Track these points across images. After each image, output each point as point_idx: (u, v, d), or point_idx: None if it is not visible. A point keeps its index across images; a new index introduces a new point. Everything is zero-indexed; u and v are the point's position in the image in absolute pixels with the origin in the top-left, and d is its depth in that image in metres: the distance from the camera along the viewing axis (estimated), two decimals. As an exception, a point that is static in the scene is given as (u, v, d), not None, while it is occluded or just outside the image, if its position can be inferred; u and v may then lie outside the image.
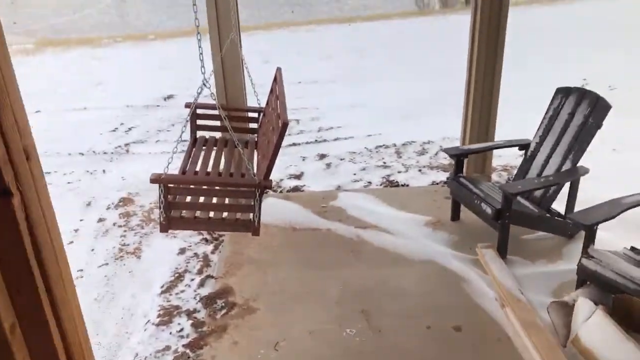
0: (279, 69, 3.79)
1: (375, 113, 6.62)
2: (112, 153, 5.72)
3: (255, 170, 3.30)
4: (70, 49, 13.04)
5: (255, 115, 3.93)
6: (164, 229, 2.83)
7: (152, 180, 2.73)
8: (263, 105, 3.83)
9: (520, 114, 5.16)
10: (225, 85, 3.92)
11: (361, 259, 3.44)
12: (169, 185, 2.78)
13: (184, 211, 2.91)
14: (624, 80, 6.89)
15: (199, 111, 3.84)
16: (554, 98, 3.72)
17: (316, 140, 5.93)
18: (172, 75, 9.02)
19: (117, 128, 6.57)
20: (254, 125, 3.95)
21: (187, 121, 2.90)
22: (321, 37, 14.58)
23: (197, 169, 3.44)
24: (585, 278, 2.88)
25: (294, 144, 5.80)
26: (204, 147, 3.77)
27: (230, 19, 3.66)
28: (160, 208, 2.76)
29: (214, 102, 4.04)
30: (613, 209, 2.91)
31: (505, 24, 3.93)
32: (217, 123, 3.95)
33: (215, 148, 3.76)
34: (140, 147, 5.90)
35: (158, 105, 7.52)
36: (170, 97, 7.87)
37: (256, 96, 3.89)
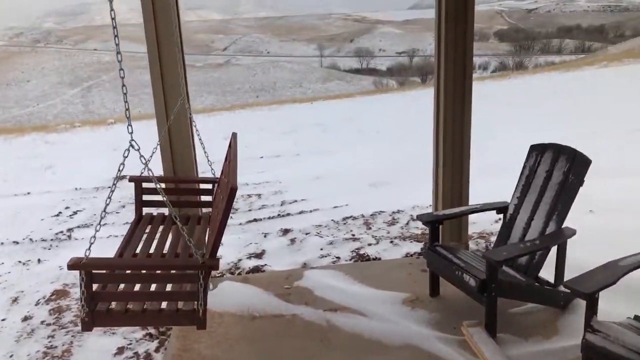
0: (234, 134, 3.47)
1: (341, 184, 6.32)
2: (51, 240, 5.15)
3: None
4: (24, 136, 12.59)
5: (210, 186, 3.53)
6: (87, 327, 2.31)
7: (71, 266, 2.25)
8: (218, 176, 3.46)
9: (485, 180, 4.94)
10: (173, 155, 3.55)
11: (332, 348, 2.94)
12: (93, 271, 2.31)
13: (114, 303, 2.40)
14: (588, 143, 6.87)
15: (145, 185, 3.45)
16: (528, 156, 3.48)
17: (279, 215, 5.53)
18: (128, 157, 8.61)
19: (60, 212, 6.03)
20: (208, 198, 3.55)
21: (111, 191, 2.47)
22: (284, 115, 14.64)
23: (137, 250, 2.98)
24: (592, 356, 2.46)
25: (255, 220, 5.38)
26: (149, 226, 3.33)
27: (179, 83, 3.36)
28: (81, 301, 2.26)
29: (166, 174, 3.71)
30: (612, 273, 2.56)
31: (470, 94, 3.77)
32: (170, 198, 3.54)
33: (162, 226, 3.33)
34: (84, 232, 5.35)
35: (109, 187, 7.03)
36: (123, 177, 7.41)
37: (210, 165, 3.53)
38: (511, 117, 10.24)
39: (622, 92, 12.09)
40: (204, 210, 3.59)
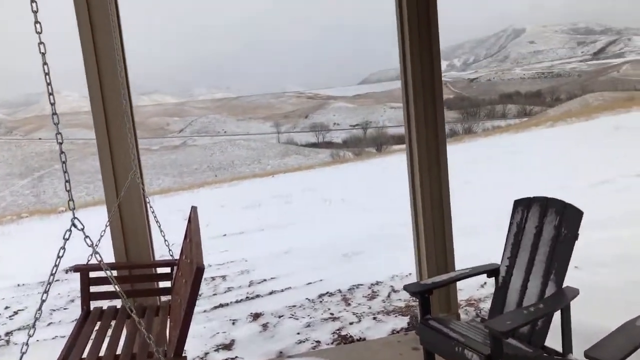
0: (193, 208, 3.13)
1: (312, 257, 5.94)
2: (-14, 347, 4.47)
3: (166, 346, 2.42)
4: (-37, 229, 11.67)
5: (168, 270, 3.12)
6: None
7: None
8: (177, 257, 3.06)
9: (460, 242, 4.73)
10: (126, 237, 3.13)
11: None
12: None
13: None
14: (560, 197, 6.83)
15: (93, 274, 3.00)
16: (514, 212, 3.26)
17: (247, 297, 5.04)
18: (79, 244, 7.99)
19: (-1, 313, 5.34)
20: (167, 284, 3.12)
21: (48, 283, 2.06)
22: (245, 190, 14.31)
23: (85, 354, 2.50)
24: None
25: (221, 305, 4.87)
26: (99, 322, 2.86)
27: (129, 155, 3.02)
28: None
29: (118, 260, 3.27)
30: (633, 336, 2.28)
31: (445, 156, 3.63)
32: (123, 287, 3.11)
33: (114, 321, 2.86)
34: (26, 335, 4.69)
35: (57, 280, 6.39)
36: (69, 270, 6.79)
37: (168, 246, 3.14)
38: (474, 177, 10.29)
39: (577, 148, 12.51)
40: (163, 298, 3.15)
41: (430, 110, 3.55)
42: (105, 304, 3.10)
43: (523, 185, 8.36)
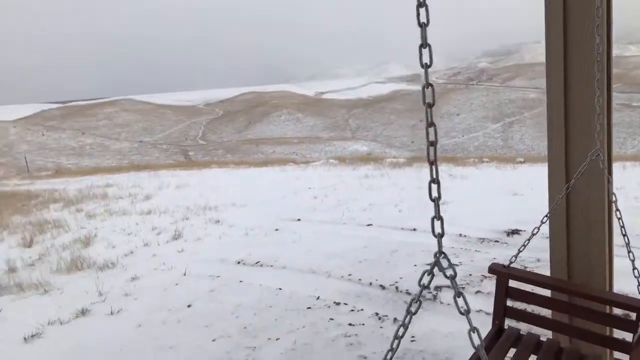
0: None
1: None
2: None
3: None
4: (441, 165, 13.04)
5: (632, 315, 1.98)
6: None
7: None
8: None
9: None
10: (570, 246, 2.15)
11: None
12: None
13: None
14: None
15: (512, 282, 2.23)
16: None
17: None
18: (526, 202, 7.40)
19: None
20: (625, 336, 1.99)
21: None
22: None
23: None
24: None
25: None
26: (513, 349, 2.10)
27: (592, 125, 1.96)
28: None
29: (555, 274, 2.37)
30: None
31: None
32: (545, 312, 2.23)
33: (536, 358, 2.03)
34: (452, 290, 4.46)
35: (497, 241, 5.98)
36: (515, 232, 6.23)
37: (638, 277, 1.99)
38: None
39: None
40: (616, 354, 2.05)
41: None
42: (523, 327, 2.28)
43: None
